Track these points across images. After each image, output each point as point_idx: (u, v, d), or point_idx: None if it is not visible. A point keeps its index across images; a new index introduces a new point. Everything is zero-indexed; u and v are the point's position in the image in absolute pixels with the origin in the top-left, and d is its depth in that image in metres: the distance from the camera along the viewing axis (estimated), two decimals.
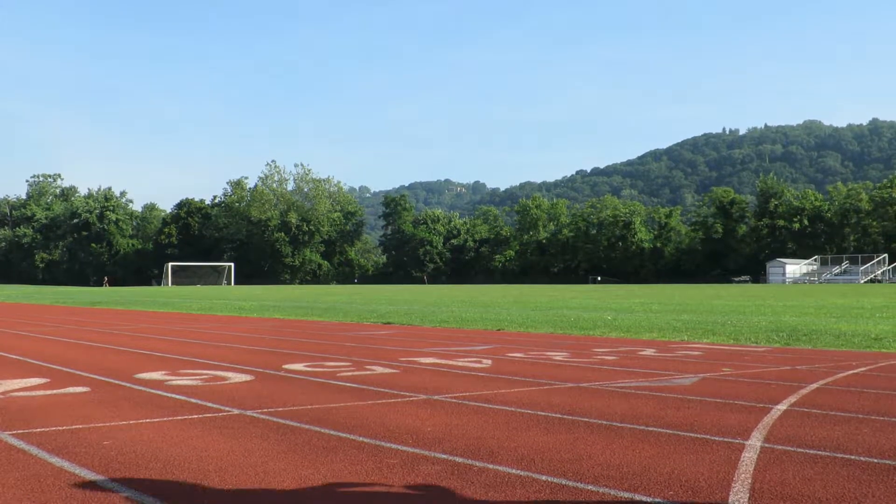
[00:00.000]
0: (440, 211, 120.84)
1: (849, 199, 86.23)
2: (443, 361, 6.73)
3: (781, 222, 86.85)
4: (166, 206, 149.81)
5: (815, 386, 5.09)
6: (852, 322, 11.85)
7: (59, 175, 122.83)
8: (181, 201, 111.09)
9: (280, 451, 3.18)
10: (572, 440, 3.40)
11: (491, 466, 2.92)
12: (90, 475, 2.80)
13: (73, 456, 3.11)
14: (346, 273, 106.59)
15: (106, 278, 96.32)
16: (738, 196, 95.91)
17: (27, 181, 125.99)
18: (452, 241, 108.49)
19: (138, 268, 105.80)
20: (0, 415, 4.09)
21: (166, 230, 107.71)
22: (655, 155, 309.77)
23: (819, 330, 10.29)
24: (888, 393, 4.78)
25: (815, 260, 79.49)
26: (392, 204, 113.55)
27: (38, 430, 3.67)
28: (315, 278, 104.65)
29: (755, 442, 3.35)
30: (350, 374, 5.87)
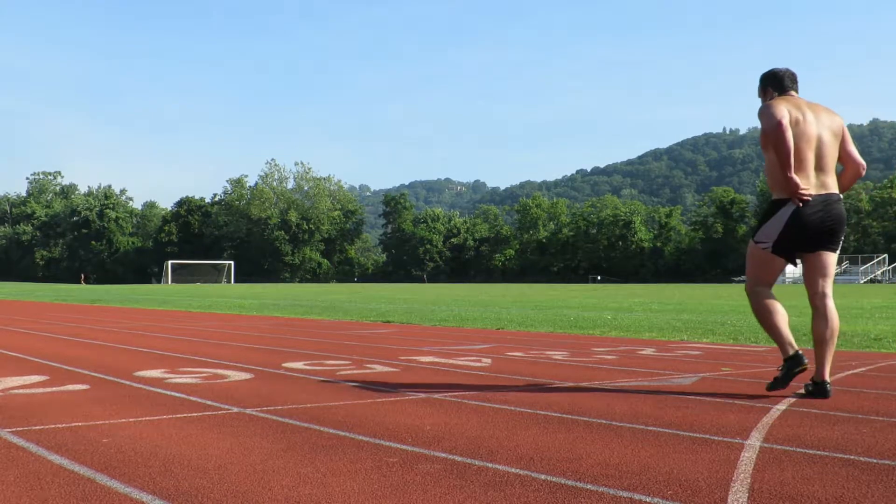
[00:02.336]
0: (440, 210, 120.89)
1: (849, 200, 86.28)
2: (442, 360, 6.73)
3: None
4: (166, 204, 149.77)
5: None
6: (852, 322, 11.84)
7: (60, 173, 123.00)
8: (181, 199, 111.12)
9: (279, 450, 3.19)
10: (571, 439, 3.40)
11: (490, 465, 2.92)
12: (89, 473, 2.80)
13: (72, 453, 3.11)
14: (346, 272, 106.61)
15: (83, 275, 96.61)
16: (738, 196, 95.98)
17: (27, 179, 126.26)
18: (452, 240, 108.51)
19: (138, 266, 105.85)
20: None
21: (166, 228, 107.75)
22: (655, 154, 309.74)
23: None
24: (888, 393, 4.78)
25: None
26: (392, 203, 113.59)
27: (38, 427, 3.67)
28: (315, 277, 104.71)
29: (754, 442, 3.35)
30: (350, 372, 5.87)
